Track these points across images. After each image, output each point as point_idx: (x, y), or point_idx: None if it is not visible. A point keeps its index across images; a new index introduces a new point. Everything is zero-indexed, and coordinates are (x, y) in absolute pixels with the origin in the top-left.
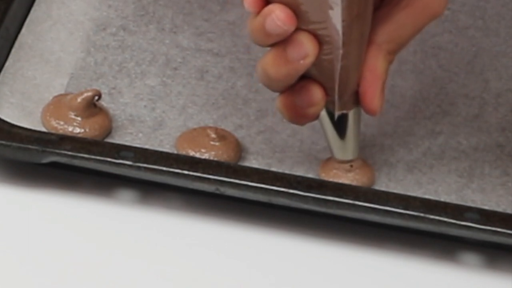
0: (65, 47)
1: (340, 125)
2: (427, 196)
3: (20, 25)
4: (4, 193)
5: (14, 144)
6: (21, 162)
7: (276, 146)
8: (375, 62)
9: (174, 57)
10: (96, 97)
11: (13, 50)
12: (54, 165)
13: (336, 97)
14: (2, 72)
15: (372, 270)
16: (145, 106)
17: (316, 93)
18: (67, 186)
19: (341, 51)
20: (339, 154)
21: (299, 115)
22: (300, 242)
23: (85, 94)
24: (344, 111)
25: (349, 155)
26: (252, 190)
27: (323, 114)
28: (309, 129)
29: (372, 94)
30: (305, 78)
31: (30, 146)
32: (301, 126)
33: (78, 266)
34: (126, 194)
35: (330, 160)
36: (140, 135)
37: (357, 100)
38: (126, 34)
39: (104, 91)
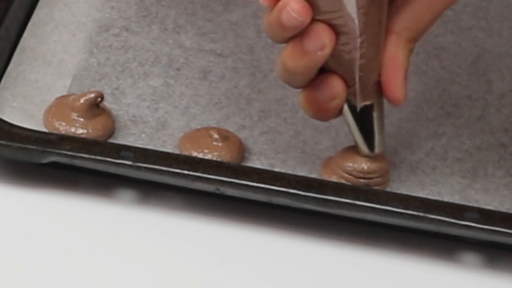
0: (67, 49)
1: (364, 118)
2: (430, 197)
3: (21, 26)
4: (4, 193)
5: (14, 144)
6: (21, 162)
7: (279, 146)
8: (396, 51)
9: (177, 58)
10: (99, 99)
11: (15, 54)
12: (54, 165)
13: (358, 87)
14: (4, 76)
15: (372, 270)
16: (148, 106)
17: (337, 85)
18: (67, 186)
19: (359, 40)
20: (365, 148)
21: (322, 110)
22: (300, 242)
23: (88, 96)
24: (367, 102)
25: (375, 149)
26: (252, 190)
27: (346, 108)
28: (311, 129)
29: (395, 83)
30: (325, 71)
31: (30, 146)
32: (303, 127)
33: (78, 266)
34: (126, 194)
35: (331, 160)
36: (143, 135)
37: (379, 90)
38: (129, 35)
39: (107, 91)
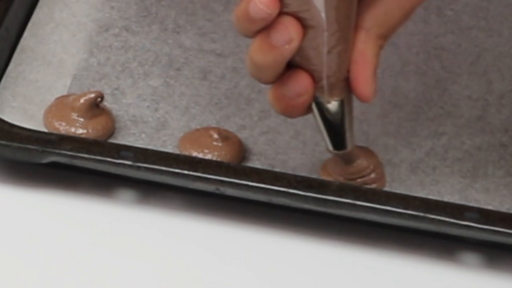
0: (67, 49)
1: (332, 115)
2: (430, 197)
3: (21, 26)
4: (4, 193)
5: (14, 144)
6: (21, 162)
7: (279, 147)
8: (365, 48)
9: (177, 58)
10: (99, 99)
11: (15, 54)
12: (54, 165)
13: (325, 83)
14: (4, 76)
15: (372, 270)
16: (148, 106)
17: (304, 81)
18: (67, 186)
19: (326, 33)
20: (333, 146)
21: (289, 107)
22: (300, 242)
23: (88, 96)
24: (336, 99)
25: (346, 146)
26: (252, 190)
27: (315, 105)
28: (312, 130)
29: (363, 79)
30: (293, 67)
31: (30, 146)
32: (303, 128)
33: (78, 266)
34: (126, 194)
35: (327, 162)
36: (143, 135)
37: (348, 86)
38: (129, 35)
39: (107, 91)
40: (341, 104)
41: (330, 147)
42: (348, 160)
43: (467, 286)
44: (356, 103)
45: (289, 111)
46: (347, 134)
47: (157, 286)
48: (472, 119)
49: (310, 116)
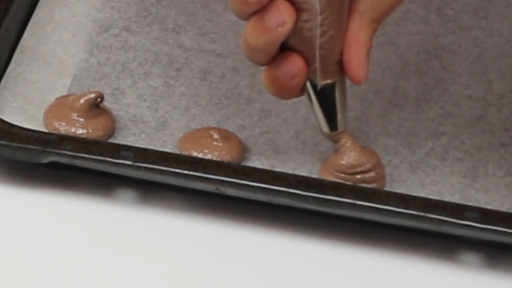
0: (67, 49)
1: (325, 96)
2: (430, 197)
3: (21, 26)
4: (4, 193)
5: (14, 144)
6: (21, 162)
7: (279, 147)
8: (359, 30)
9: (177, 58)
10: (99, 99)
11: (15, 54)
12: (54, 165)
13: (319, 65)
14: (4, 76)
15: (372, 270)
16: (148, 106)
17: (297, 63)
18: (67, 186)
19: (319, 17)
20: (326, 127)
21: (283, 88)
22: (300, 242)
23: (88, 96)
24: (328, 81)
25: (337, 127)
26: (252, 190)
27: (308, 86)
28: (312, 130)
29: (357, 62)
30: (287, 49)
31: (30, 146)
32: (302, 127)
33: (78, 266)
34: (126, 194)
35: (326, 161)
36: (143, 135)
37: (341, 69)
38: (129, 35)
39: (107, 91)
40: (334, 86)
41: (323, 128)
42: (341, 146)
43: (467, 286)
44: (356, 103)
45: (283, 93)
46: (339, 116)
47: (157, 286)
48: (472, 119)
49: (310, 116)
